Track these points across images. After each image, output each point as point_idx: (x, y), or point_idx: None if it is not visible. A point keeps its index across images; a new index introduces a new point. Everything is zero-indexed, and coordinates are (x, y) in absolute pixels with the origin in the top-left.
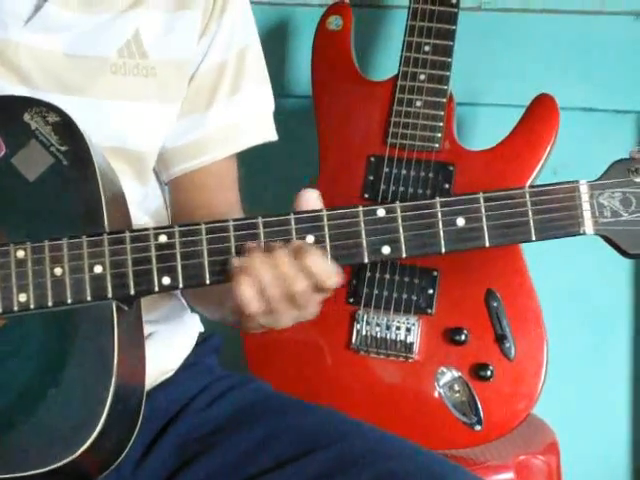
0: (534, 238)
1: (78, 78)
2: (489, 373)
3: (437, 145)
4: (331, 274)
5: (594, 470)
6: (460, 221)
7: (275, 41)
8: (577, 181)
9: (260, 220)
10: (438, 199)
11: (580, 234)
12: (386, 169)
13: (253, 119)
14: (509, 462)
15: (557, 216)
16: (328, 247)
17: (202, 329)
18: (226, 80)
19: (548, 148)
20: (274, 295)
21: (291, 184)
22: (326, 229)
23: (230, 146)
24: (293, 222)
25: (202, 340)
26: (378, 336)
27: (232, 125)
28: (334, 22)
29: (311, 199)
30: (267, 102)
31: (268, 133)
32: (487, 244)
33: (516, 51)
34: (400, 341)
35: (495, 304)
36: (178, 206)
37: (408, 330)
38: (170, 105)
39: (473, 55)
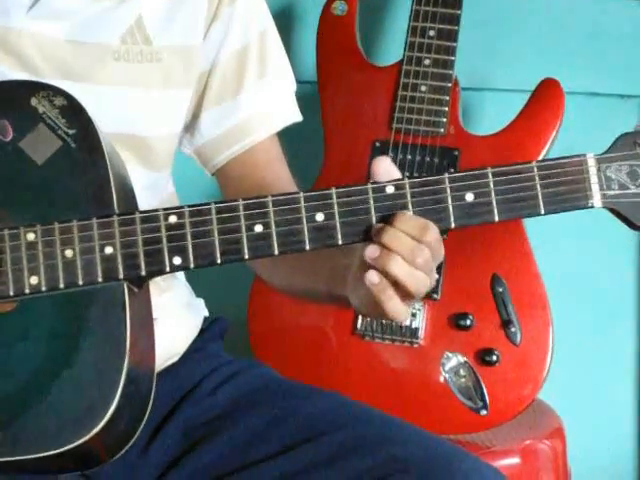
0: (543, 212)
1: (80, 65)
2: (495, 358)
3: (442, 130)
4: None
5: (600, 454)
6: (469, 196)
7: (280, 26)
8: (584, 154)
9: (270, 199)
10: (447, 175)
11: (588, 207)
12: (391, 154)
13: (283, 99)
14: (515, 447)
15: (565, 189)
16: (338, 225)
17: (207, 313)
18: (251, 64)
19: (553, 133)
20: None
21: (296, 169)
22: (335, 207)
23: (267, 127)
24: (302, 200)
25: (207, 325)
26: (383, 321)
27: (265, 107)
28: (339, 7)
29: (387, 164)
30: (292, 82)
31: (296, 112)
32: (496, 219)
33: (521, 36)
34: (405, 326)
35: (500, 289)
36: (232, 194)
37: (413, 315)
38: (175, 91)
39: (478, 40)
